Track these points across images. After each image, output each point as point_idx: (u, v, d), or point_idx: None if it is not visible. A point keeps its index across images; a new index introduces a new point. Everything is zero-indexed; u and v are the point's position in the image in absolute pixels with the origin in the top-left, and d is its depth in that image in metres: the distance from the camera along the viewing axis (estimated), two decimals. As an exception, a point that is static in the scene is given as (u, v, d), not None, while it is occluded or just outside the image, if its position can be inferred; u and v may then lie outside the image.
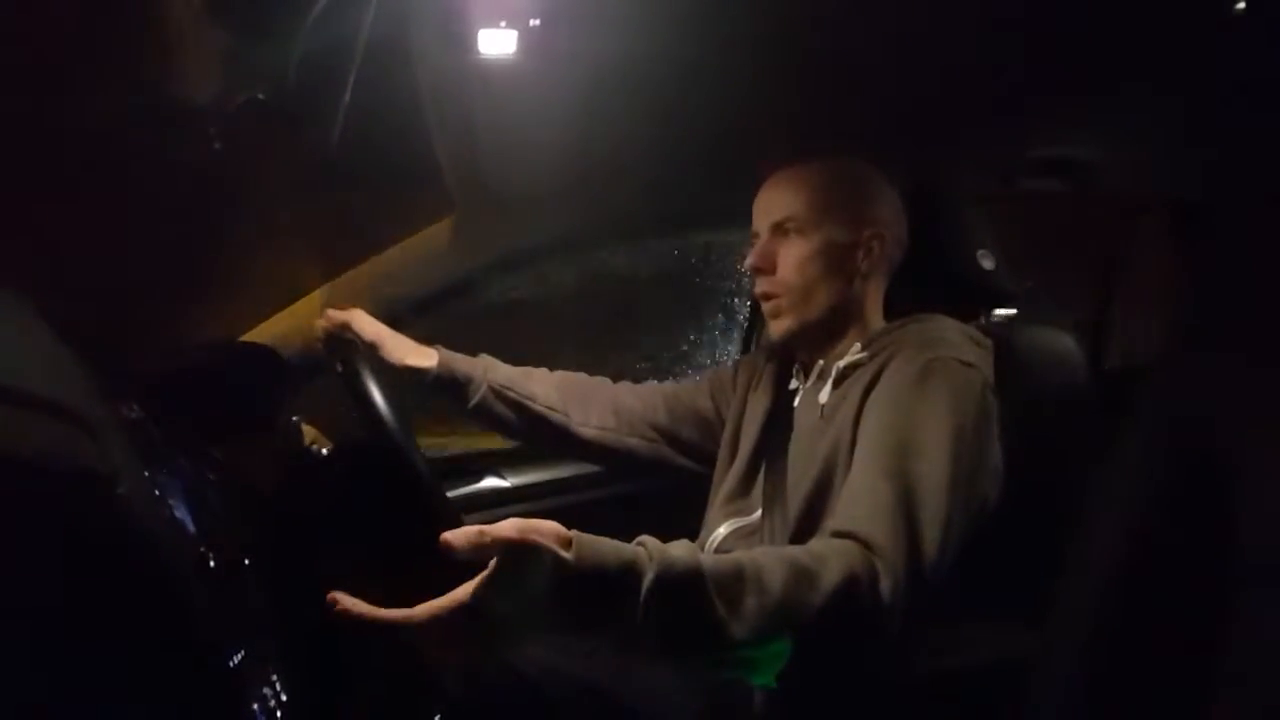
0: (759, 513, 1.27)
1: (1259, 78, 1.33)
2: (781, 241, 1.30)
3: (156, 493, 0.84)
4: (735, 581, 0.90)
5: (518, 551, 0.81)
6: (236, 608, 0.93)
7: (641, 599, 0.85)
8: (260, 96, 1.24)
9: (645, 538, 0.91)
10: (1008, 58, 1.46)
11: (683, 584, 0.87)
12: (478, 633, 0.82)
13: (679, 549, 0.90)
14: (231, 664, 0.81)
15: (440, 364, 1.42)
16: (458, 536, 0.82)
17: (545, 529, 0.84)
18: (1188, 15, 1.35)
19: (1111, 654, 0.72)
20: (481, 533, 0.81)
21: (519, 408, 1.45)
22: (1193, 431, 0.66)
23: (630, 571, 0.85)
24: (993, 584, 1.11)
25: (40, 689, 0.64)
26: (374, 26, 1.19)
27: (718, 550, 1.29)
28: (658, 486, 1.81)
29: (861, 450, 1.11)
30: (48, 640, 0.65)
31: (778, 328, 1.32)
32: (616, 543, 0.87)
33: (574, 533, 0.86)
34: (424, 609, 0.82)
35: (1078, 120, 1.68)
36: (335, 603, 0.83)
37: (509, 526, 0.82)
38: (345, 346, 1.31)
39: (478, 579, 0.81)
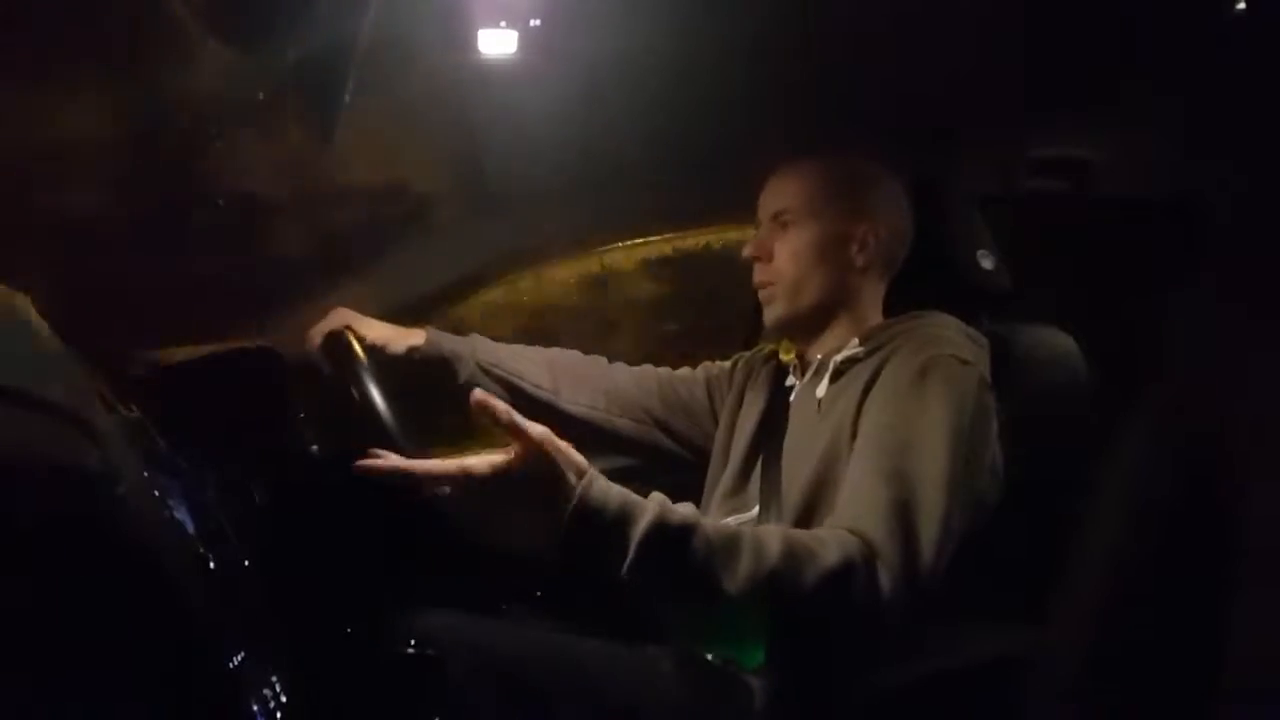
0: (756, 508, 1.27)
1: (1259, 77, 1.34)
2: (779, 232, 1.32)
3: (156, 494, 0.84)
4: (732, 541, 0.93)
5: (532, 453, 0.87)
6: (236, 608, 0.93)
7: (637, 538, 0.88)
8: (260, 96, 1.24)
9: (655, 494, 0.94)
10: (1009, 58, 1.46)
11: (680, 530, 0.91)
12: (478, 505, 0.88)
13: (685, 506, 0.94)
14: (231, 664, 0.81)
15: (428, 342, 1.42)
16: (491, 404, 0.88)
17: (565, 451, 0.90)
18: (1188, 15, 1.35)
19: (1111, 653, 0.72)
20: (508, 413, 0.87)
21: (507, 385, 1.45)
22: (1193, 431, 0.66)
23: (631, 510, 0.90)
24: (993, 584, 1.11)
25: (41, 688, 0.64)
26: (374, 26, 1.19)
27: None
28: (658, 485, 1.80)
29: (860, 448, 1.11)
30: (48, 640, 0.65)
31: (770, 315, 1.34)
32: (627, 490, 0.92)
33: (591, 469, 0.91)
34: (444, 463, 0.87)
35: (1078, 120, 1.67)
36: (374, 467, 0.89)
37: (540, 431, 0.88)
38: (342, 348, 1.31)
39: (488, 457, 0.87)
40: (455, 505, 0.88)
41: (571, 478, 0.89)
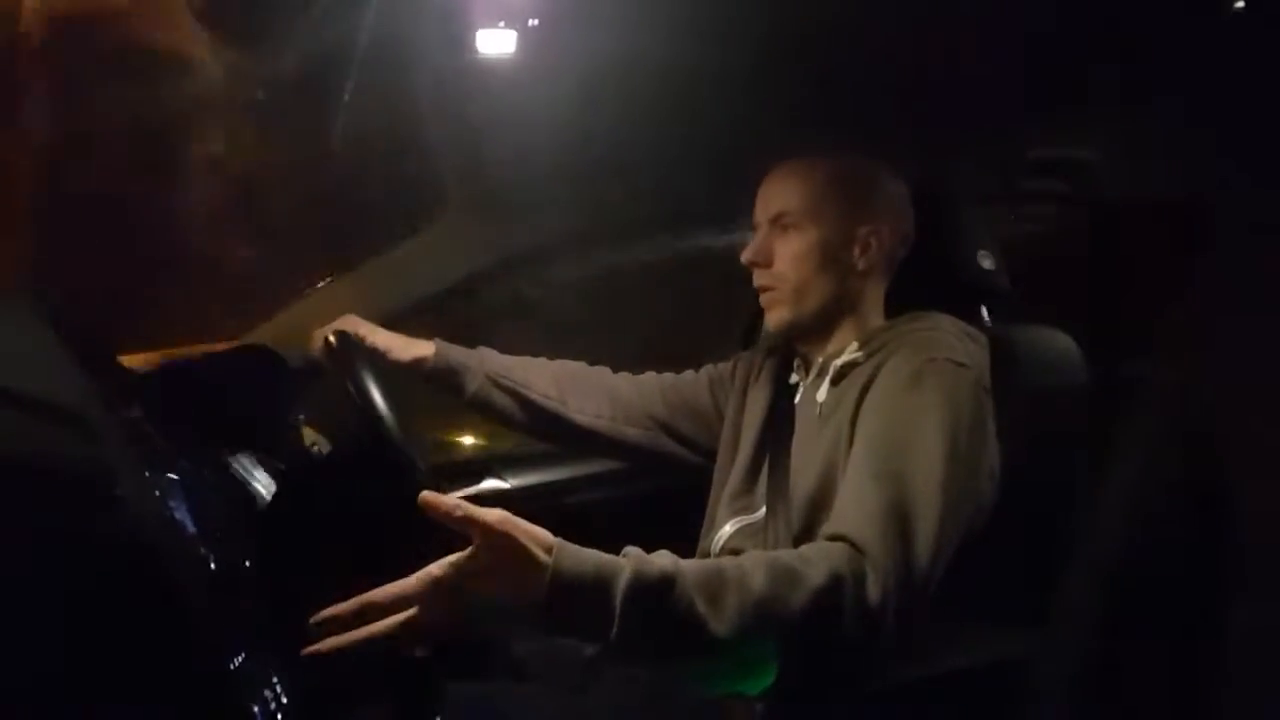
0: (763, 510, 1.27)
1: (1259, 77, 1.33)
2: (779, 236, 1.30)
3: (156, 494, 0.84)
4: (715, 579, 0.91)
5: (495, 539, 0.83)
6: (237, 610, 0.93)
7: (619, 597, 0.86)
8: (260, 97, 1.24)
9: (629, 548, 0.91)
10: (1008, 58, 1.46)
11: (661, 580, 0.88)
12: (452, 612, 0.84)
13: (660, 556, 0.91)
14: (232, 666, 0.81)
15: (437, 355, 1.43)
16: (440, 501, 0.84)
17: (526, 529, 0.86)
18: (1187, 15, 1.35)
19: (1112, 653, 0.72)
20: (459, 507, 0.83)
21: (516, 396, 1.45)
22: (1192, 431, 0.66)
23: (608, 573, 0.87)
24: (992, 584, 1.11)
25: (42, 689, 0.64)
26: (373, 26, 1.19)
27: (724, 548, 1.29)
28: (659, 489, 1.81)
29: (856, 452, 1.11)
30: (49, 641, 0.65)
31: (773, 319, 1.33)
32: (599, 552, 0.89)
33: (558, 540, 0.87)
34: (394, 586, 0.83)
35: (1078, 120, 1.67)
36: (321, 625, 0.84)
37: (493, 514, 0.84)
38: (343, 349, 1.31)
39: (450, 559, 0.84)
40: (431, 615, 0.83)
41: (540, 554, 0.85)
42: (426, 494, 0.85)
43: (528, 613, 0.85)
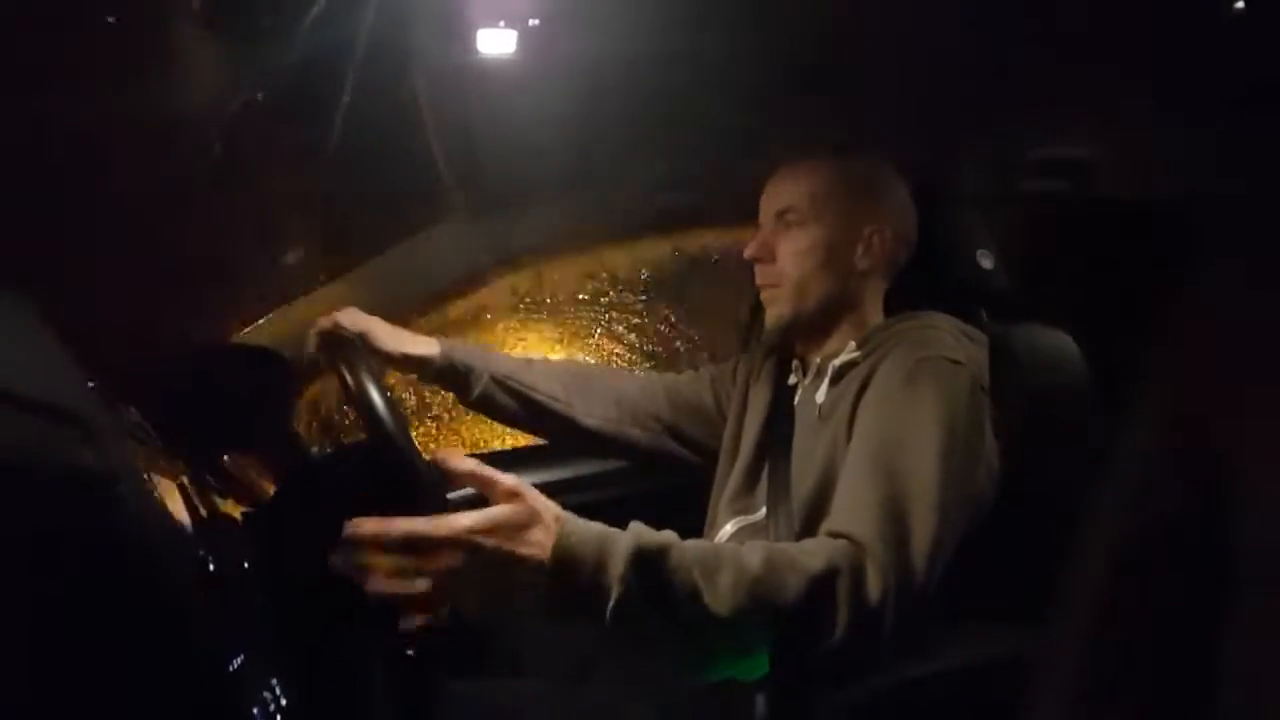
0: (764, 510, 1.27)
1: (1259, 78, 1.34)
2: (782, 233, 1.31)
3: (156, 494, 0.84)
4: (713, 557, 0.92)
5: (508, 499, 0.87)
6: (236, 611, 0.93)
7: (621, 556, 0.88)
8: (260, 97, 1.24)
9: (634, 523, 0.93)
10: (1009, 58, 1.46)
11: (661, 547, 0.90)
12: (463, 570, 0.84)
13: (663, 533, 0.93)
14: (231, 668, 0.81)
15: (441, 354, 1.41)
16: (459, 467, 0.87)
17: (537, 494, 0.89)
18: (1188, 15, 1.35)
19: (1112, 653, 0.72)
20: (477, 466, 0.88)
21: (521, 398, 1.44)
22: (1192, 431, 0.66)
23: (612, 535, 0.90)
24: (992, 583, 1.11)
25: (40, 691, 0.64)
26: (373, 26, 1.19)
27: None
28: (660, 487, 1.81)
29: (853, 451, 1.11)
30: (48, 643, 0.65)
31: (773, 316, 1.33)
32: (601, 525, 0.91)
33: (565, 513, 0.90)
34: (418, 521, 0.84)
35: (1078, 120, 1.68)
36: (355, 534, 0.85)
37: (513, 479, 0.88)
38: (342, 346, 1.31)
39: (476, 513, 0.85)
40: (444, 563, 0.84)
41: (549, 517, 0.88)
42: (441, 451, 0.88)
43: (532, 578, 0.86)
